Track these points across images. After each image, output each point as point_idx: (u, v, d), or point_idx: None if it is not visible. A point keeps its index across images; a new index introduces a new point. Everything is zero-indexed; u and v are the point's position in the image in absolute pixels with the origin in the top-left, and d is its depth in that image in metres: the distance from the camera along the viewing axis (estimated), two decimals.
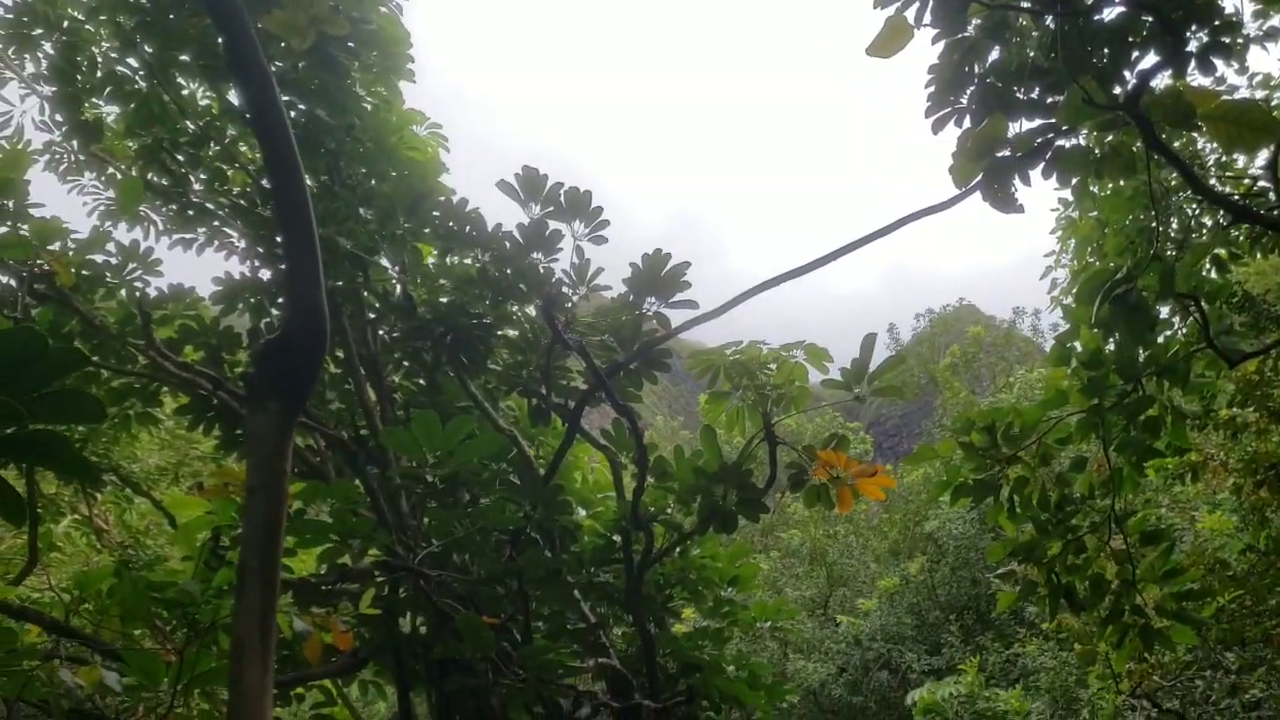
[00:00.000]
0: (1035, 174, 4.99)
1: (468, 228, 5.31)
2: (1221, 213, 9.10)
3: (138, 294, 6.03)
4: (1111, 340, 5.36)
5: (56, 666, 3.10)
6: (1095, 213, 9.51)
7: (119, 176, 6.54)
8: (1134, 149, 5.51)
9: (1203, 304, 5.17)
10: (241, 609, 1.69)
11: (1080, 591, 5.42)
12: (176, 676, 2.90)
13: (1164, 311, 6.44)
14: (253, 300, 6.15)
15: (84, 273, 5.80)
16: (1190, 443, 8.83)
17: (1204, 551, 9.90)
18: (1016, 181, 4.94)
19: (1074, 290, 8.53)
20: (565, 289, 5.25)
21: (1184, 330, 6.97)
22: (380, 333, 6.28)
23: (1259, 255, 9.10)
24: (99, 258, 5.93)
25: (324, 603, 4.49)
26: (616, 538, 5.56)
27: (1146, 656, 9.46)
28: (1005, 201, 4.95)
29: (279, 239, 5.78)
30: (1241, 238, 8.85)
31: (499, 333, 5.77)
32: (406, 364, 6.40)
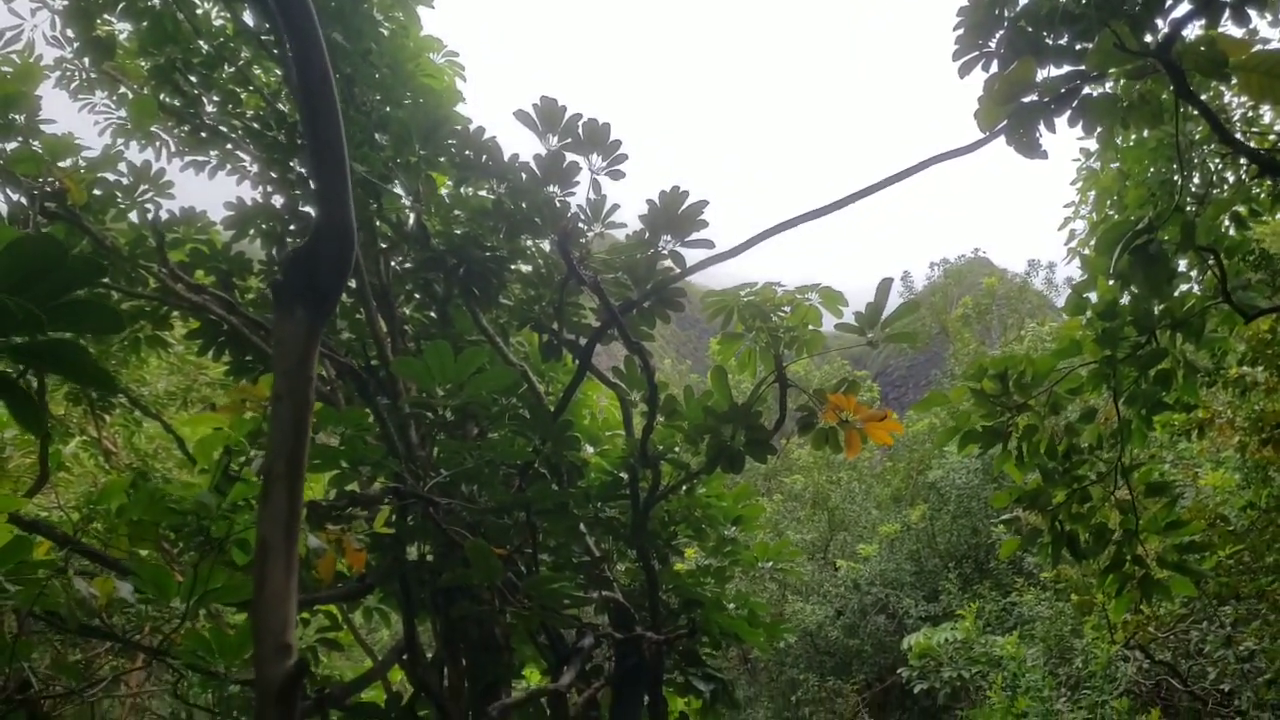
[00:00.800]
0: (1060, 122, 4.94)
1: (484, 157, 5.24)
2: (1244, 169, 9.00)
3: (149, 215, 6.01)
4: (1127, 294, 5.33)
5: (71, 577, 3.15)
6: (1117, 164, 9.41)
7: (130, 96, 6.47)
8: (1162, 98, 5.42)
9: (1221, 258, 5.13)
10: (266, 512, 1.71)
11: (1083, 540, 5.46)
12: (190, 590, 2.94)
13: (1181, 266, 6.40)
14: (265, 227, 6.12)
15: (95, 192, 5.76)
16: (1199, 399, 8.86)
17: (1205, 507, 9.97)
18: (1041, 128, 4.90)
19: (1092, 241, 8.47)
20: (580, 224, 5.20)
21: (1200, 285, 6.93)
22: (392, 264, 6.25)
23: None
24: (110, 177, 5.90)
25: (336, 524, 4.53)
26: (624, 475, 5.59)
27: (1143, 608, 9.58)
28: (1029, 147, 4.91)
29: (298, 159, 5.73)
30: (1263, 195, 8.76)
31: (512, 266, 5.74)
32: (418, 296, 6.38)
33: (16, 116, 5.09)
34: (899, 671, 15.81)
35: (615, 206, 5.31)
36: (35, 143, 5.16)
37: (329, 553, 3.48)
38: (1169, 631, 10.56)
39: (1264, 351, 8.98)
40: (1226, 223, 7.83)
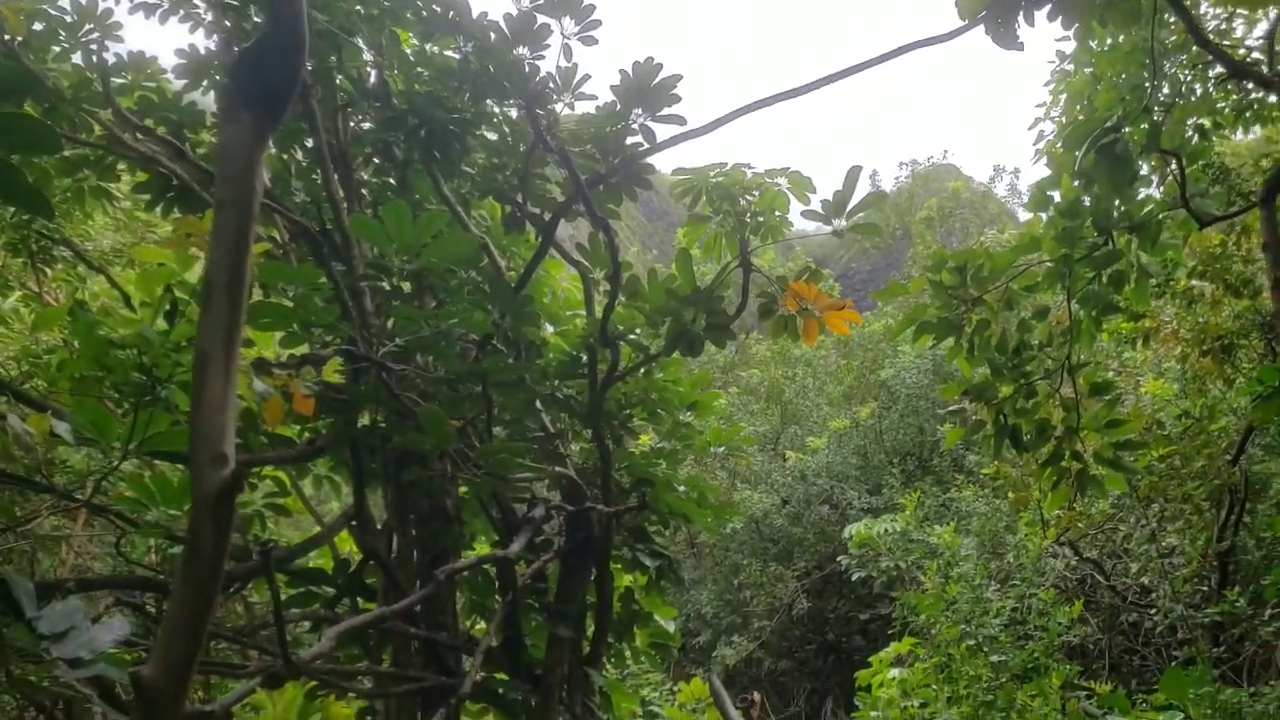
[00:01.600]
0: (1040, 17, 4.88)
1: (451, 13, 5.03)
2: (1212, 81, 9.03)
3: (94, 58, 5.69)
4: (1087, 198, 5.36)
5: (5, 413, 3.06)
6: (1091, 69, 9.36)
7: None
8: None
9: (1184, 162, 5.16)
10: (206, 322, 1.66)
11: (1025, 434, 5.61)
12: (130, 432, 2.88)
13: (1144, 171, 6.46)
14: (219, 78, 5.84)
15: (35, 26, 5.44)
16: (1149, 307, 9.04)
17: (1144, 414, 10.30)
18: (1020, 20, 4.86)
19: (1060, 143, 8.49)
20: (549, 91, 5.04)
21: (1160, 192, 7.02)
22: (351, 124, 6.02)
23: (1241, 130, 9.10)
24: (51, 11, 5.56)
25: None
26: (582, 355, 5.58)
27: (1075, 506, 9.97)
28: (1007, 38, 4.88)
29: (255, 7, 5.45)
30: (1227, 109, 8.81)
31: (477, 131, 5.57)
32: (377, 160, 6.18)
33: None
34: (839, 559, 16.39)
35: (586, 76, 5.15)
36: None
37: (275, 398, 3.44)
38: (1098, 529, 11.02)
39: (1212, 265, 9.18)
40: (1190, 131, 7.89)
